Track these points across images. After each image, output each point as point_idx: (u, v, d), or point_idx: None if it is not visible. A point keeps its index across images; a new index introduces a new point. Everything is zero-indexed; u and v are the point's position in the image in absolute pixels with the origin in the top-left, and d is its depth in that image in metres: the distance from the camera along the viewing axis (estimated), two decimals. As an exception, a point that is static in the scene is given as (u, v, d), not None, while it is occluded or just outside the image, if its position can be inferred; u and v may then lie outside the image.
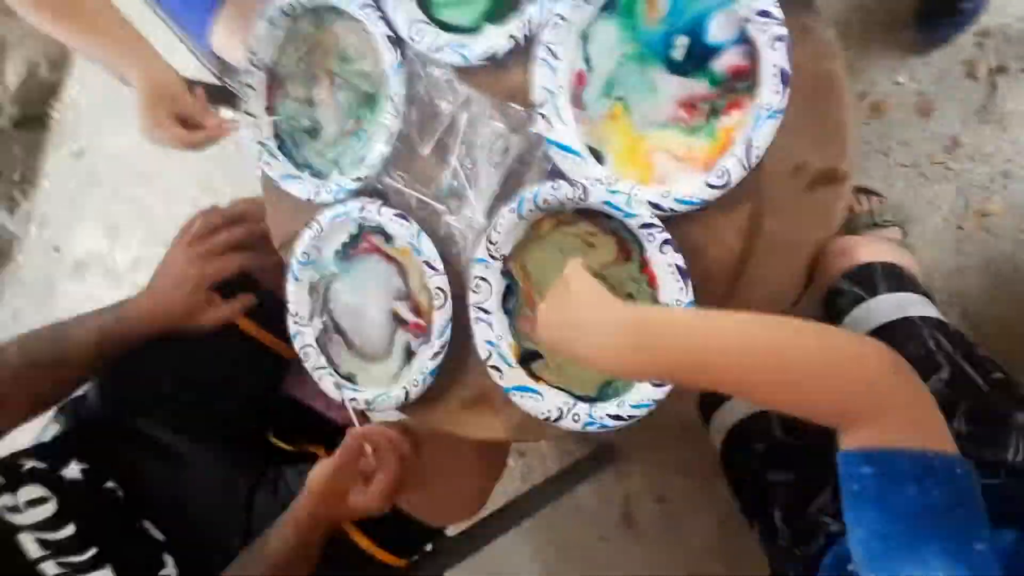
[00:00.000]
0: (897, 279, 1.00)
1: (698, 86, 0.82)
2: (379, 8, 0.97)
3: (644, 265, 0.85)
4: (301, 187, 1.06)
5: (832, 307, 1.03)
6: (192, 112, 1.07)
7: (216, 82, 1.40)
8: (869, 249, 1.06)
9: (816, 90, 0.85)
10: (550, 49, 0.86)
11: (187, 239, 1.16)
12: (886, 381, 0.58)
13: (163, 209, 2.40)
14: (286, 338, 1.13)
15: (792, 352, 0.61)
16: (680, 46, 0.82)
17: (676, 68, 0.83)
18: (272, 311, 1.16)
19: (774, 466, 0.99)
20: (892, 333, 0.94)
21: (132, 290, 1.12)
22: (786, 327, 0.62)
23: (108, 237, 2.55)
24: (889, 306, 0.97)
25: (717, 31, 0.80)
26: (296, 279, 1.08)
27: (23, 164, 2.65)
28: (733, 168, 0.79)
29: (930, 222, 1.32)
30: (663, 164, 0.84)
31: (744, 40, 0.79)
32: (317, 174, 1.06)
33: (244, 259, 1.16)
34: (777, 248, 0.85)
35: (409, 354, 1.03)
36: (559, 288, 0.75)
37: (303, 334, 1.09)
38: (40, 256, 2.72)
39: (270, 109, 1.08)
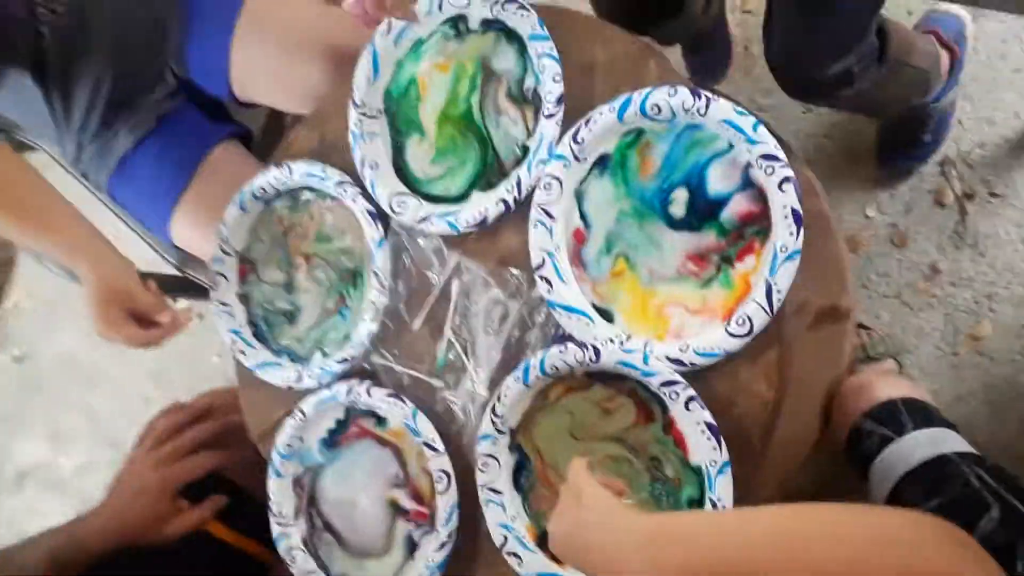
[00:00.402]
0: (923, 414, 0.95)
1: (705, 238, 0.79)
2: (357, 184, 0.94)
3: (669, 425, 0.79)
4: (280, 374, 0.98)
5: (857, 450, 0.98)
6: (147, 308, 1.00)
7: (174, 272, 1.35)
8: (887, 384, 1.02)
9: (807, 228, 0.83)
10: (544, 210, 0.83)
11: (149, 442, 1.07)
12: (953, 563, 0.51)
13: (112, 409, 2.27)
14: (266, 541, 1.02)
15: (846, 548, 0.53)
16: (679, 201, 0.80)
17: (678, 224, 0.80)
18: (249, 512, 1.06)
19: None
20: (930, 473, 0.89)
21: (78, 499, 1.01)
22: (829, 515, 0.55)
23: (51, 444, 2.39)
24: (921, 444, 0.91)
25: (718, 181, 0.78)
26: (278, 474, 0.99)
27: (-39, 375, 2.51)
28: (755, 314, 0.75)
29: (924, 351, 1.30)
30: (678, 318, 0.80)
31: (749, 184, 0.77)
32: (297, 360, 0.99)
33: (214, 458, 1.06)
34: (789, 392, 0.80)
35: (412, 547, 0.93)
36: (567, 499, 0.68)
37: (288, 535, 0.99)
38: (-24, 472, 2.53)
39: (243, 296, 1.03)
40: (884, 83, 0.98)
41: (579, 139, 0.81)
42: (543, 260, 0.83)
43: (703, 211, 0.79)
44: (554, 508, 0.69)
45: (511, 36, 0.88)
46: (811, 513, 0.56)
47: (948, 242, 1.29)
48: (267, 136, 1.40)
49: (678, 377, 0.76)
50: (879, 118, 1.25)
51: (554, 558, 0.84)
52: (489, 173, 0.89)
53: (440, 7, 0.90)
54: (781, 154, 0.74)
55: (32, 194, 1.03)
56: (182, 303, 2.08)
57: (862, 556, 0.52)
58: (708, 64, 1.46)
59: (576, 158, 0.82)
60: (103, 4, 1.11)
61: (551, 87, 0.84)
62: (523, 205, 0.85)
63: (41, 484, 2.40)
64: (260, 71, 1.20)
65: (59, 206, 1.05)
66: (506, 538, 0.85)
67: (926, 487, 0.88)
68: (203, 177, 1.23)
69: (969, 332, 1.27)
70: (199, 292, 1.29)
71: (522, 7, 0.86)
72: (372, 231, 0.93)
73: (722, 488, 0.75)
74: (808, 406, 0.98)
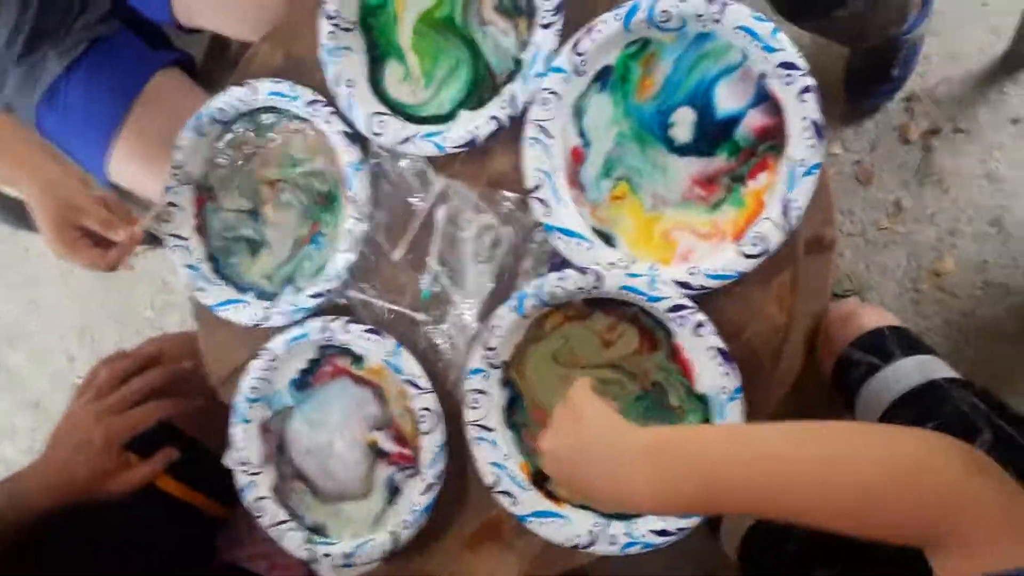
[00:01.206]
0: (910, 341, 0.95)
1: (714, 162, 0.75)
2: (330, 104, 0.87)
3: (674, 353, 0.76)
4: (246, 312, 0.91)
5: (844, 379, 0.97)
6: (99, 224, 0.89)
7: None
8: (873, 313, 1.01)
9: None
10: (542, 127, 0.78)
11: (90, 393, 0.98)
12: (970, 485, 0.48)
13: (33, 370, 2.13)
14: (219, 495, 0.96)
15: (849, 464, 0.50)
16: (683, 124, 0.75)
17: (684, 149, 0.76)
18: (200, 464, 0.98)
19: (815, 564, 0.88)
20: (921, 399, 0.88)
21: (3, 466, 0.92)
22: (836, 433, 0.52)
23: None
24: (910, 371, 0.91)
25: (728, 99, 0.74)
26: (245, 420, 0.92)
27: None
28: (771, 233, 0.71)
29: (886, 288, 1.30)
30: (685, 241, 0.76)
31: (763, 98, 0.73)
32: (265, 296, 0.92)
33: (163, 407, 0.98)
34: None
35: (394, 491, 0.88)
36: (564, 415, 0.64)
37: (256, 484, 0.92)
38: None
39: (201, 228, 0.94)
40: (874, 5, 0.96)
41: (581, 50, 0.76)
42: (540, 181, 0.78)
43: (711, 134, 0.74)
44: (548, 427, 0.65)
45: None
46: (820, 431, 0.53)
47: (913, 179, 1.29)
48: (210, 60, 1.30)
49: (687, 301, 0.73)
50: (855, 47, 1.23)
51: (549, 495, 0.80)
52: (479, 89, 0.83)
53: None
54: (801, 61, 0.70)
55: None
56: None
57: (875, 484, 0.49)
58: None
59: (576, 71, 0.77)
60: None
61: (546, -5, 0.78)
62: (516, 122, 0.80)
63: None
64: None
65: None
66: (498, 477, 0.81)
67: (917, 413, 0.87)
68: (143, 107, 1.13)
69: (931, 268, 1.28)
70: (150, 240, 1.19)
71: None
72: (348, 154, 0.86)
73: (733, 416, 0.73)
74: (796, 336, 0.96)
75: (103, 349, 1.99)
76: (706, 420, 0.75)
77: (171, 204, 0.94)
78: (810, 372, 1.03)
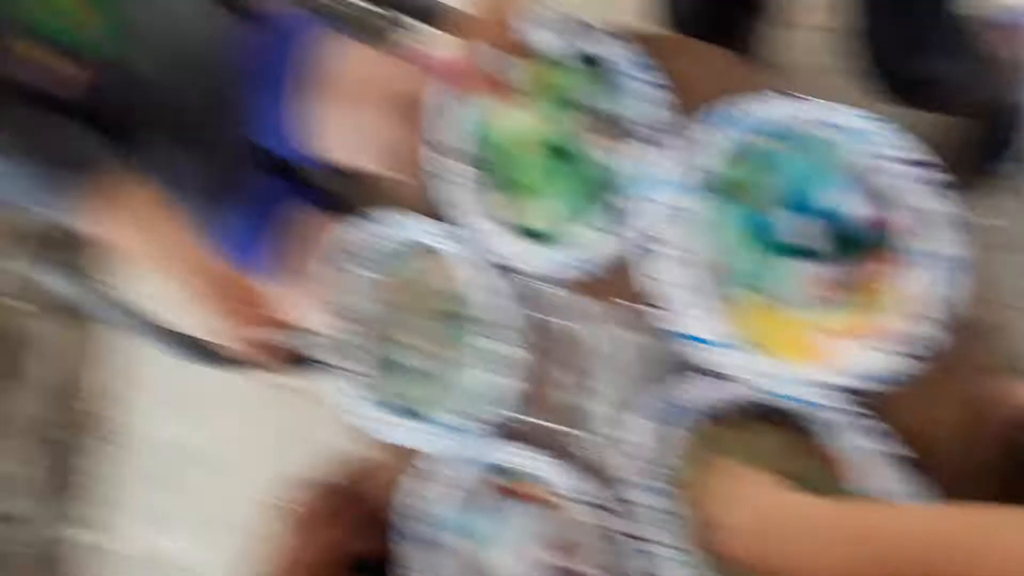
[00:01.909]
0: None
1: (837, 262, 0.74)
2: (463, 236, 0.92)
3: (831, 457, 0.74)
4: (411, 437, 0.96)
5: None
6: (246, 293, 0.96)
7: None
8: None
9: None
10: (660, 241, 0.79)
11: (297, 528, 1.04)
12: None
13: (225, 491, 2.29)
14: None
15: None
16: (799, 230, 0.75)
17: (803, 253, 0.76)
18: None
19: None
20: None
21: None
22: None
23: (163, 532, 2.43)
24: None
25: (838, 196, 0.73)
26: (424, 542, 0.96)
27: (69, 470, 2.57)
28: (919, 327, 0.69)
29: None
30: (825, 342, 0.75)
31: (873, 190, 0.72)
32: (425, 420, 0.97)
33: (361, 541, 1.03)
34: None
35: (569, 611, 0.89)
36: (735, 494, 0.64)
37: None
38: (100, 560, 2.59)
39: (359, 361, 1.01)
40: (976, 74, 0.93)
41: (691, 164, 0.78)
42: (672, 294, 0.79)
43: (833, 237, 0.74)
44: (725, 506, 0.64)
45: (594, 65, 0.85)
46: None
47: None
48: (348, 192, 1.40)
49: (844, 404, 0.71)
50: (971, 116, 1.18)
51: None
52: (602, 211, 0.86)
53: (523, 46, 0.88)
54: (912, 152, 0.69)
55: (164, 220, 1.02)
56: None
57: None
58: None
59: (690, 183, 0.78)
60: (156, 69, 1.12)
61: (652, 112, 0.80)
62: (638, 237, 0.81)
63: (161, 570, 2.44)
64: (335, 131, 1.21)
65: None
66: (672, 590, 0.81)
67: None
68: (286, 241, 1.23)
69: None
70: (305, 364, 1.28)
71: (611, 34, 0.83)
72: (483, 281, 0.90)
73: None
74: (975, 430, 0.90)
75: (289, 467, 2.12)
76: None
77: (331, 340, 1.01)
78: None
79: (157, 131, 1.14)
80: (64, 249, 1.50)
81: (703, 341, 0.78)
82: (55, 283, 1.41)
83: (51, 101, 0.98)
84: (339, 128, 1.19)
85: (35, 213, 1.05)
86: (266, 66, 1.22)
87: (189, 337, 1.26)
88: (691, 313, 0.79)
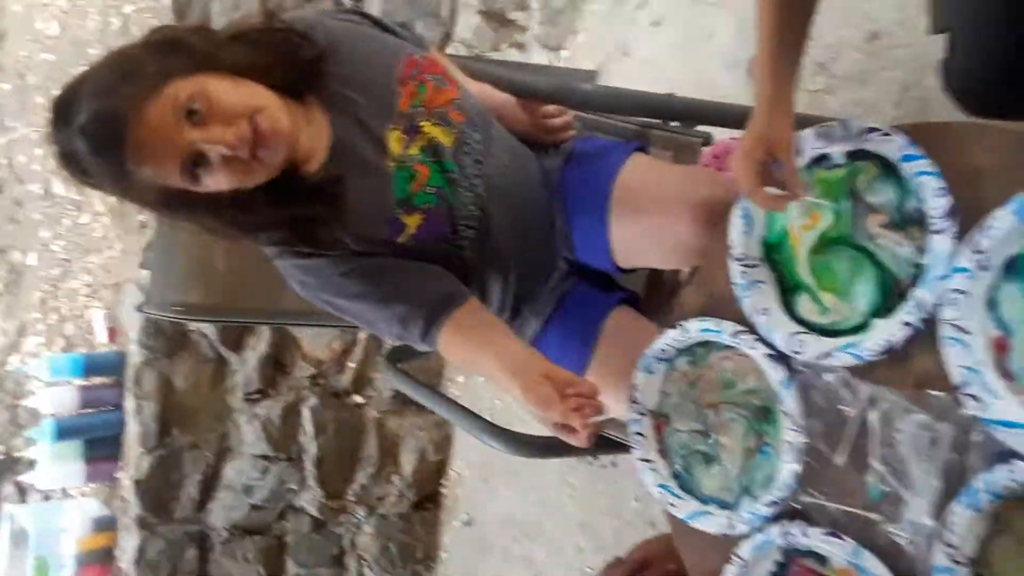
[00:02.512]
0: None
1: None
2: (752, 331, 0.99)
3: None
4: (712, 522, 1.03)
5: None
6: (566, 379, 1.07)
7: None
8: None
9: None
10: (956, 326, 0.81)
11: None
12: None
13: (552, 561, 2.46)
14: None
15: None
16: None
17: None
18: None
19: None
20: None
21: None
22: None
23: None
24: None
25: None
26: (728, 624, 1.01)
27: (424, 542, 2.90)
28: None
29: None
30: None
31: None
32: (726, 506, 1.03)
33: None
34: None
35: None
36: None
37: None
38: (447, 629, 2.86)
39: (663, 451, 1.10)
40: None
41: (980, 248, 0.79)
42: (966, 378, 0.80)
43: None
44: None
45: (879, 163, 0.89)
46: None
47: None
48: (650, 292, 1.52)
49: None
50: None
51: None
52: (887, 298, 0.89)
53: (800, 151, 0.95)
54: None
55: (496, 332, 1.19)
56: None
57: None
58: None
59: (980, 267, 0.79)
60: (503, 215, 1.32)
61: (935, 202, 0.83)
62: (929, 324, 0.83)
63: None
64: (637, 240, 1.33)
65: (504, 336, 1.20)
66: None
67: None
68: (603, 345, 1.35)
69: None
70: (616, 447, 1.39)
71: (885, 133, 0.87)
72: (775, 372, 0.96)
73: None
74: None
75: (603, 539, 2.24)
76: None
77: (638, 434, 1.11)
78: None
79: (497, 264, 1.34)
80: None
81: (1004, 423, 0.78)
82: (410, 389, 1.68)
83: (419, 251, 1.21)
84: (646, 237, 1.32)
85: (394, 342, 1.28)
86: (581, 194, 1.39)
87: (507, 431, 1.43)
88: (999, 399, 0.79)
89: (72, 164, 1.05)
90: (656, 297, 1.52)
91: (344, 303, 1.19)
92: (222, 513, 2.67)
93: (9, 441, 2.88)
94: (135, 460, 2.56)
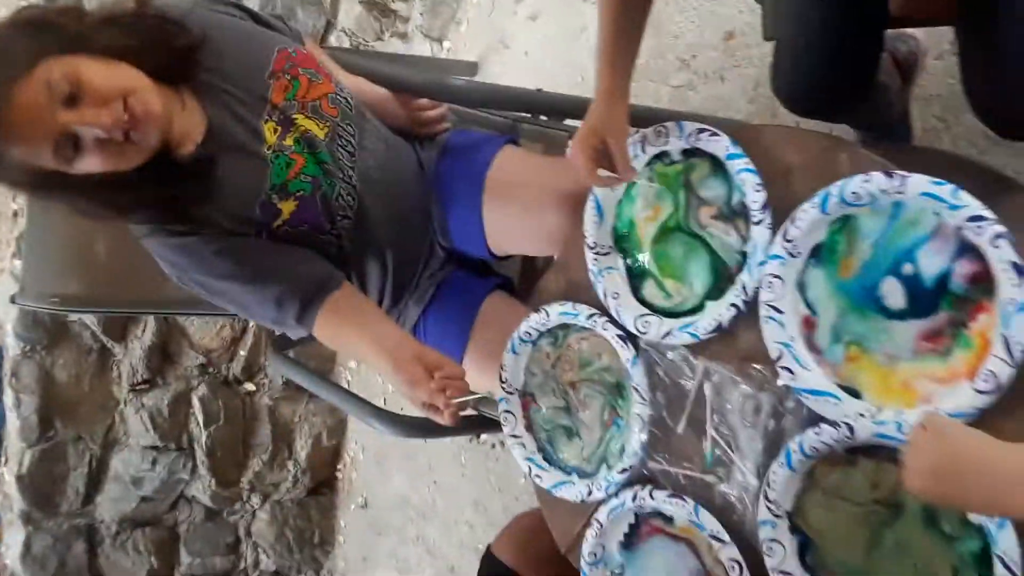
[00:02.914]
0: None
1: (936, 318, 0.83)
2: (605, 314, 1.07)
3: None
4: (573, 490, 1.11)
5: None
6: (437, 361, 1.12)
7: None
8: None
9: None
10: (772, 306, 0.91)
11: None
12: None
13: (445, 539, 2.54)
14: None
15: None
16: (893, 293, 0.85)
17: (902, 314, 0.85)
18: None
19: None
20: None
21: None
22: None
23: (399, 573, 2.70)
24: None
25: (933, 259, 0.82)
26: (589, 581, 1.10)
27: (320, 527, 2.94)
28: (1000, 369, 0.76)
29: None
30: (925, 387, 0.83)
31: (966, 247, 0.80)
32: (584, 475, 1.12)
33: None
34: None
35: (720, 637, 1.00)
36: (926, 437, 0.71)
37: (608, 638, 1.09)
38: (344, 610, 2.91)
39: (528, 426, 1.18)
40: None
41: (789, 237, 0.89)
42: (780, 352, 0.91)
43: (926, 296, 0.83)
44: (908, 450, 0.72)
45: (710, 160, 0.99)
46: None
47: None
48: (524, 277, 1.60)
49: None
50: None
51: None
52: (719, 282, 0.99)
53: (642, 149, 1.04)
54: (987, 212, 0.77)
55: (371, 316, 1.24)
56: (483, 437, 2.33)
57: None
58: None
59: (791, 254, 0.90)
60: (379, 206, 1.37)
61: (754, 196, 0.93)
62: (752, 305, 0.93)
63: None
64: (508, 228, 1.40)
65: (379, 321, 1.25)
66: (804, 616, 0.90)
67: None
68: (479, 328, 1.42)
69: None
70: (494, 426, 1.47)
71: (713, 133, 0.97)
72: (625, 352, 1.05)
73: (1006, 541, 0.76)
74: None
75: (494, 515, 2.33)
76: (984, 546, 0.78)
77: (507, 411, 1.19)
78: None
79: (375, 253, 1.39)
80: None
81: (810, 392, 0.88)
82: (299, 377, 1.71)
83: (294, 237, 1.25)
84: (517, 226, 1.39)
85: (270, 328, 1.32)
86: (456, 185, 1.45)
87: (393, 414, 1.49)
88: (807, 370, 0.90)
89: None
90: (530, 282, 1.60)
91: (216, 283, 1.21)
92: (111, 506, 2.65)
93: None
94: (16, 455, 2.50)
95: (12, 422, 2.49)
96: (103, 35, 1.11)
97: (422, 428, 1.48)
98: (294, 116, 1.25)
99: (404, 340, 1.18)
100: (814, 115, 1.15)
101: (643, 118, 1.12)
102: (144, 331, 2.63)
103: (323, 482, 2.93)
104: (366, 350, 1.17)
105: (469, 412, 1.51)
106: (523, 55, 2.16)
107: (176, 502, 2.77)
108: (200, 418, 2.69)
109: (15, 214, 2.46)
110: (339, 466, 2.93)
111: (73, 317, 2.50)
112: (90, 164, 1.06)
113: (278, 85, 1.25)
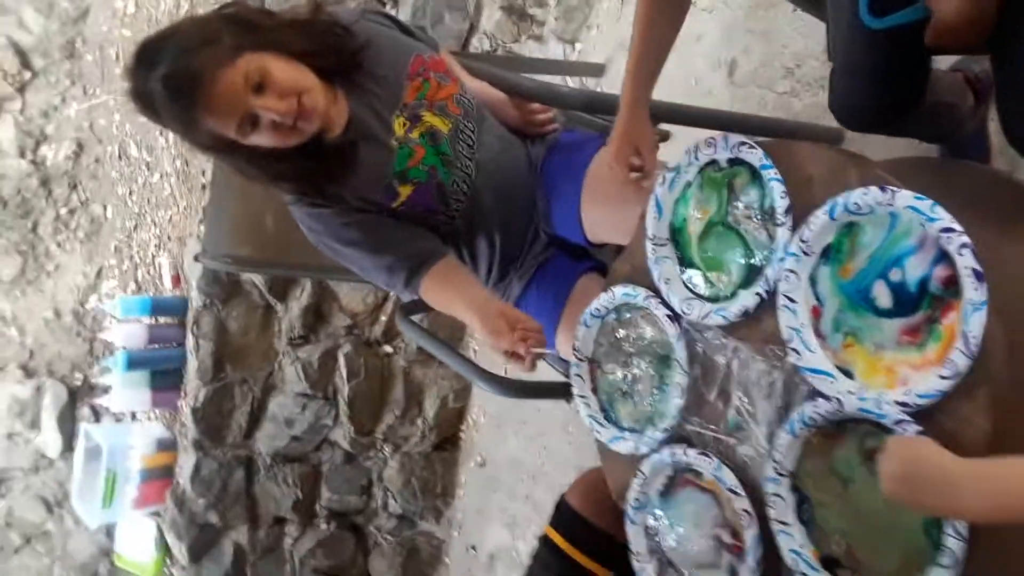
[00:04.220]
0: None
1: (916, 317, 0.97)
2: (658, 296, 1.26)
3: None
4: (625, 445, 1.31)
5: None
6: (516, 317, 1.35)
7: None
8: None
9: None
10: (787, 297, 1.07)
11: None
12: None
13: (550, 499, 2.76)
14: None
15: None
16: (883, 295, 1.00)
17: (890, 313, 0.99)
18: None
19: None
20: None
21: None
22: None
23: (510, 532, 2.96)
24: None
25: (917, 267, 0.96)
26: (633, 522, 1.30)
27: (443, 480, 3.24)
28: (959, 359, 0.90)
29: None
30: (903, 372, 0.98)
31: (943, 254, 0.94)
32: (635, 432, 1.31)
33: None
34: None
35: (733, 574, 1.17)
36: (901, 449, 0.88)
37: (644, 570, 1.28)
38: (461, 556, 3.20)
39: (594, 389, 1.39)
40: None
41: (804, 239, 1.05)
42: (792, 336, 1.07)
43: (908, 298, 0.97)
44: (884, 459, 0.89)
45: (750, 169, 1.16)
46: None
47: None
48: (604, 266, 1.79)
49: (905, 416, 0.94)
50: None
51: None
52: (751, 273, 1.16)
53: (696, 157, 1.22)
54: (956, 225, 0.90)
55: (467, 283, 1.50)
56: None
57: None
58: None
59: (805, 253, 1.06)
60: (491, 193, 1.60)
61: (779, 202, 1.09)
62: (773, 295, 1.10)
63: (506, 565, 2.97)
64: (602, 220, 1.60)
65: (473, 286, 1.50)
66: (796, 561, 1.06)
67: None
68: (571, 304, 1.64)
69: None
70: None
71: (750, 146, 1.14)
72: (671, 330, 1.24)
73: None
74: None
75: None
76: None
77: (577, 375, 1.40)
78: None
79: (485, 233, 1.63)
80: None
81: (813, 371, 1.04)
82: (418, 337, 1.98)
83: (410, 216, 1.51)
84: (608, 218, 1.59)
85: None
86: (559, 179, 1.66)
87: (492, 374, 1.72)
88: (812, 353, 1.06)
89: (144, 102, 1.32)
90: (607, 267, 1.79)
91: (342, 248, 1.49)
92: (267, 441, 3.05)
93: (87, 370, 3.28)
94: (193, 391, 2.93)
95: (191, 363, 2.93)
96: (288, 37, 1.39)
97: (517, 388, 1.71)
98: (422, 113, 1.50)
99: (491, 300, 1.41)
100: (865, 131, 1.28)
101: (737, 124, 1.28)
102: (302, 294, 2.99)
103: (447, 439, 3.22)
104: (461, 308, 1.42)
105: (557, 378, 1.73)
106: (644, 60, 2.33)
107: (320, 444, 3.13)
108: (344, 373, 3.03)
109: (203, 187, 2.89)
110: (462, 427, 3.22)
111: (245, 277, 2.90)
112: (262, 139, 1.35)
113: (412, 86, 1.51)
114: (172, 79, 1.28)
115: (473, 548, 3.15)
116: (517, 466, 2.95)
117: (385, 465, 3.20)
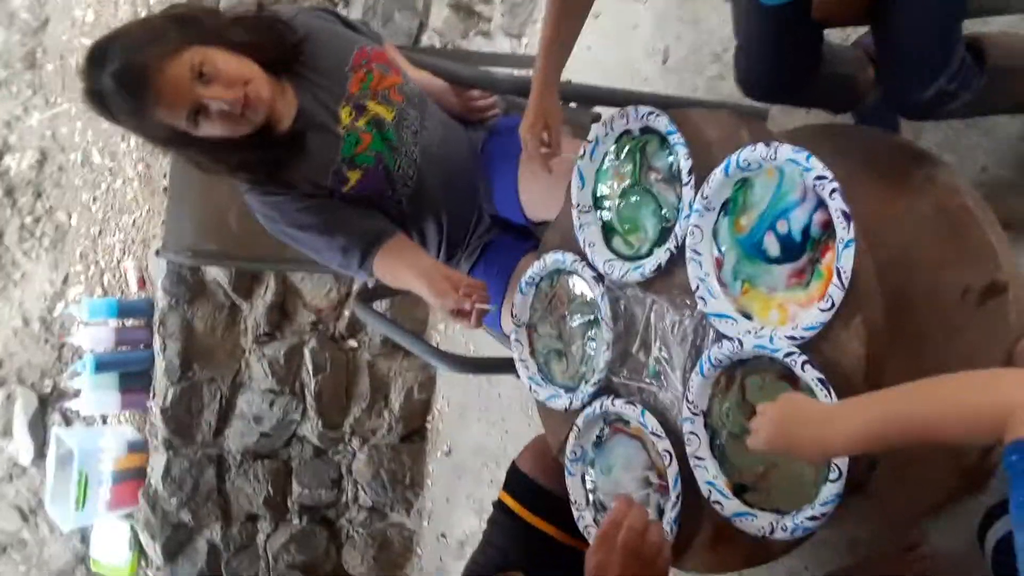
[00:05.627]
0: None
1: (801, 261, 1.08)
2: (585, 260, 1.36)
3: (796, 383, 1.06)
4: (560, 401, 1.40)
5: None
6: (457, 278, 1.44)
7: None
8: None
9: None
10: (694, 251, 1.17)
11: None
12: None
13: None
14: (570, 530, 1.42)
15: (960, 391, 0.80)
16: (772, 246, 1.10)
17: (778, 259, 1.10)
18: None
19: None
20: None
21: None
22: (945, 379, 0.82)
23: (478, 517, 3.04)
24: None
25: (801, 217, 1.07)
26: (570, 473, 1.39)
27: (411, 470, 3.31)
28: (835, 293, 1.01)
29: None
30: (793, 310, 1.08)
31: (821, 201, 1.04)
32: (568, 390, 1.41)
33: None
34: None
35: (660, 513, 1.26)
36: (771, 406, 0.98)
37: (583, 517, 1.37)
38: (432, 545, 3.27)
39: (532, 352, 1.48)
40: (991, 91, 1.16)
41: (705, 195, 1.15)
42: (698, 284, 1.17)
43: (794, 246, 1.08)
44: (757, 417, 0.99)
45: (659, 136, 1.26)
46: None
47: None
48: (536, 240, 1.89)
49: (793, 349, 1.04)
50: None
51: (744, 502, 1.13)
52: (664, 231, 1.26)
53: (612, 128, 1.32)
54: (827, 173, 1.01)
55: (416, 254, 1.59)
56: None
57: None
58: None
59: (707, 208, 1.16)
60: (436, 177, 1.69)
61: (683, 164, 1.19)
62: (682, 249, 1.20)
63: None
64: (538, 198, 1.70)
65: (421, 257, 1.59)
66: (711, 491, 1.16)
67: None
68: (515, 280, 1.72)
69: None
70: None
71: (657, 114, 1.24)
72: (597, 289, 1.33)
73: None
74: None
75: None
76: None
77: (517, 340, 1.49)
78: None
79: (432, 215, 1.72)
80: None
81: (717, 315, 1.14)
82: (375, 322, 2.06)
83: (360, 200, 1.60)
84: (544, 195, 1.68)
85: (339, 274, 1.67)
86: (499, 161, 1.76)
87: (451, 354, 1.81)
88: (716, 299, 1.16)
89: (97, 100, 1.39)
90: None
91: (297, 233, 1.58)
92: (236, 439, 3.10)
93: (57, 376, 3.33)
94: (162, 391, 2.98)
95: (159, 364, 2.98)
96: (233, 32, 1.48)
97: (467, 364, 1.81)
98: (366, 103, 1.59)
99: (436, 265, 1.51)
100: (767, 100, 1.39)
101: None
102: (266, 291, 3.06)
103: (414, 431, 3.30)
104: (410, 278, 1.51)
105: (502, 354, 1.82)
106: (586, 49, 2.43)
107: (290, 440, 3.19)
108: (310, 368, 3.09)
109: (164, 190, 2.95)
110: (428, 417, 3.29)
111: (209, 277, 2.96)
112: (212, 129, 1.43)
113: (356, 77, 1.59)
114: (121, 74, 1.35)
115: (443, 536, 3.22)
116: (481, 452, 3.03)
117: (354, 458, 3.26)
